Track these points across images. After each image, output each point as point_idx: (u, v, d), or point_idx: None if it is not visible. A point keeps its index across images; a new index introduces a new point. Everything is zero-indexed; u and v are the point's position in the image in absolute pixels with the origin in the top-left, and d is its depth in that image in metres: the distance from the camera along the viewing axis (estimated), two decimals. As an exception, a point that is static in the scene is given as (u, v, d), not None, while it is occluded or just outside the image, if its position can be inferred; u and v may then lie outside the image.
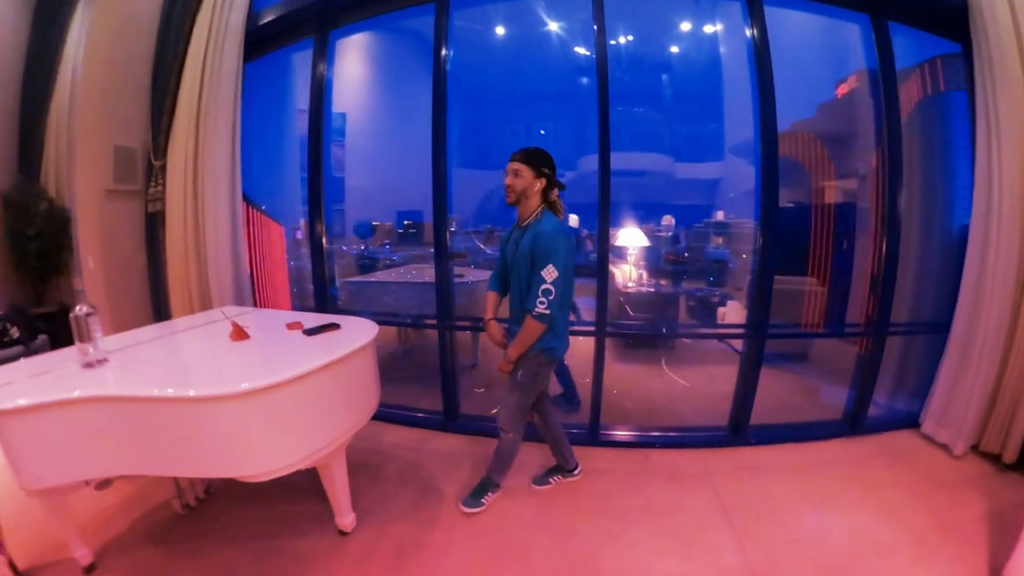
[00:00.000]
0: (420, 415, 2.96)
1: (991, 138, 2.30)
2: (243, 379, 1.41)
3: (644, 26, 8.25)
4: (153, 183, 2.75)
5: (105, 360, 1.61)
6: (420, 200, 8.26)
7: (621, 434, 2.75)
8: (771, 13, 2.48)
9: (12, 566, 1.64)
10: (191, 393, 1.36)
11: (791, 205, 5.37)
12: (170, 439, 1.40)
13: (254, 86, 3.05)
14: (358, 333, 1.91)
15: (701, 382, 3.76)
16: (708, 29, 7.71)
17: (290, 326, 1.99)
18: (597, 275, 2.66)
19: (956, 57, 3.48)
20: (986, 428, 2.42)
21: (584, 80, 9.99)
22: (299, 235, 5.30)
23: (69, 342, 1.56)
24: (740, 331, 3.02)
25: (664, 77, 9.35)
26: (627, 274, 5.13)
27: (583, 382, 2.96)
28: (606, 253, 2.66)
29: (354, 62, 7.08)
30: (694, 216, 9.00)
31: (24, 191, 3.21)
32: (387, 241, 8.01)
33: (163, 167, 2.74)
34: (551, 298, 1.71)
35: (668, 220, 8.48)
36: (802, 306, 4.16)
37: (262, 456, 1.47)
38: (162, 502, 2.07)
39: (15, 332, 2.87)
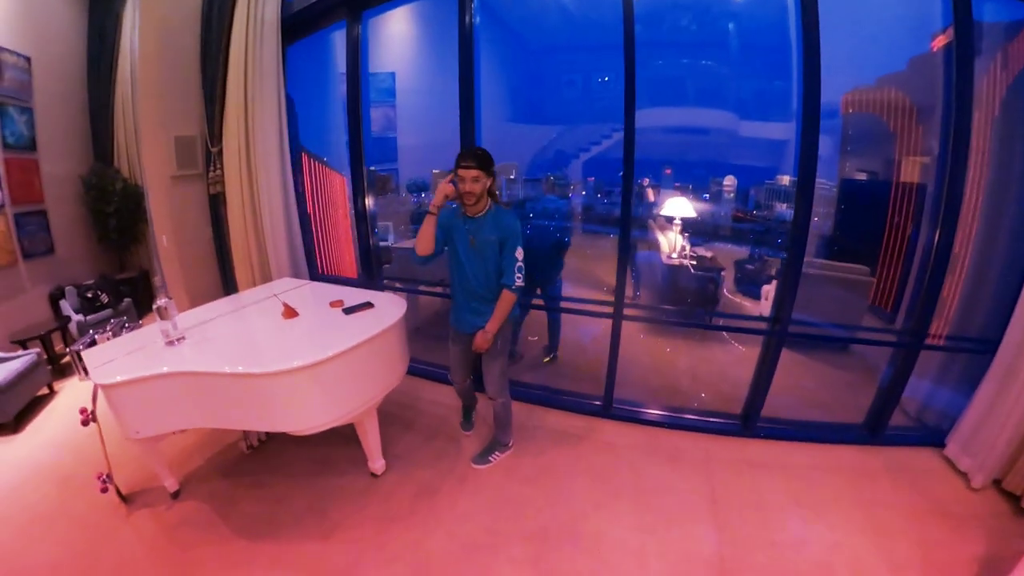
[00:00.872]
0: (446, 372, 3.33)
1: None
2: (293, 357, 1.83)
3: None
4: (212, 167, 3.20)
5: (183, 338, 2.09)
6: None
7: (633, 410, 2.98)
8: None
9: (119, 492, 2.23)
10: (245, 369, 1.79)
11: (863, 177, 5.02)
12: (236, 402, 1.86)
13: (305, 57, 3.39)
14: (388, 312, 2.29)
15: (733, 361, 3.81)
16: None
17: (332, 304, 2.40)
18: (618, 253, 2.72)
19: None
20: (1013, 465, 2.26)
21: (640, 28, 9.44)
22: None
23: (149, 302, 1.98)
24: (759, 327, 2.98)
25: (731, 26, 8.68)
26: (672, 242, 5.18)
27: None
28: (628, 230, 2.68)
29: (401, 20, 7.14)
30: (759, 177, 8.61)
31: (101, 174, 3.85)
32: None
33: (220, 152, 3.17)
34: (523, 272, 2.11)
35: (730, 180, 8.25)
36: (866, 298, 3.94)
37: (307, 416, 1.93)
38: (231, 443, 2.64)
39: (104, 298, 3.56)
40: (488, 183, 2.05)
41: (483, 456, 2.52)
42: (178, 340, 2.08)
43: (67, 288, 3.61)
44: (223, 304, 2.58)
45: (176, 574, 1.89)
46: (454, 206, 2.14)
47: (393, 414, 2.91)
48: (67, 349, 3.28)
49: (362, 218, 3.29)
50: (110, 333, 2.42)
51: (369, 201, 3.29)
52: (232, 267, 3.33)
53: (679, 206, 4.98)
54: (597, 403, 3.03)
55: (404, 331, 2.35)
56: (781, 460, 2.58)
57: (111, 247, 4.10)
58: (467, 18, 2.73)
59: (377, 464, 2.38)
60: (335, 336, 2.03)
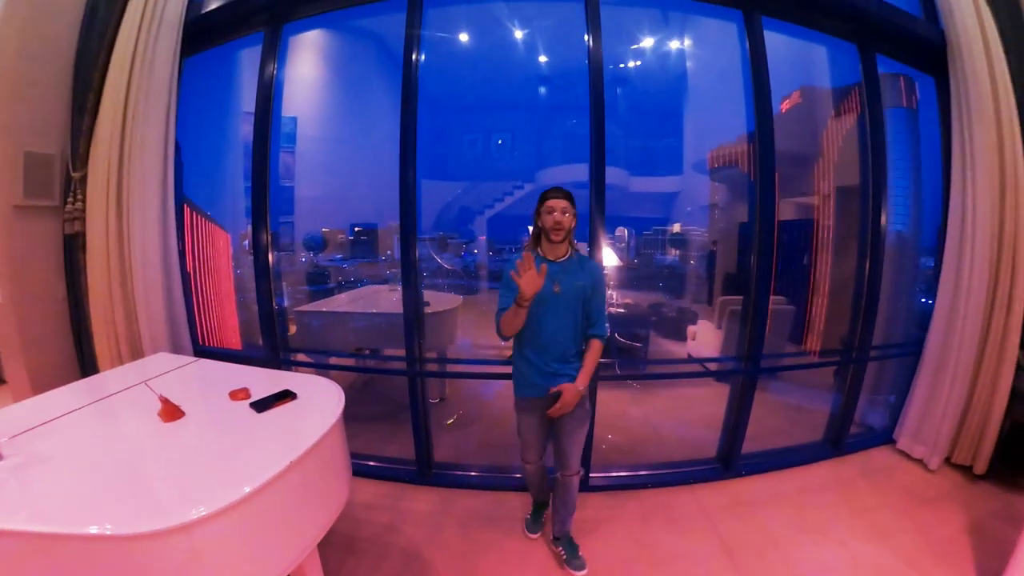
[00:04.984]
0: (390, 467, 2.60)
1: (966, 167, 2.37)
2: (180, 500, 1.06)
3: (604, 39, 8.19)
4: (71, 198, 2.24)
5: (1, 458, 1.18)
6: (374, 212, 7.95)
7: (611, 476, 2.56)
8: (721, 29, 2.46)
9: None
10: (99, 530, 0.97)
11: (746, 220, 5.47)
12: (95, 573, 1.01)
13: (195, 82, 2.64)
14: (320, 405, 1.52)
15: (677, 406, 3.61)
16: (674, 45, 7.70)
17: (234, 394, 1.58)
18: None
19: (891, 77, 3.60)
20: (957, 442, 2.51)
21: (542, 90, 9.87)
22: (247, 244, 5.01)
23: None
24: (729, 365, 2.93)
25: (618, 91, 9.26)
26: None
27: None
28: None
29: (307, 63, 6.53)
30: (650, 227, 9.16)
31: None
32: (339, 254, 7.50)
33: (83, 179, 2.24)
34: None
35: (621, 231, 8.68)
36: (788, 326, 4.08)
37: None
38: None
39: None
40: (574, 222, 1.75)
41: (577, 555, 1.94)
42: (-8, 462, 1.17)
43: None
44: (68, 394, 1.64)
45: None
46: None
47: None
48: None
49: (264, 275, 2.55)
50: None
51: (271, 257, 2.59)
52: (91, 335, 2.30)
53: (606, 256, 4.79)
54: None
55: (343, 433, 1.58)
56: (770, 492, 2.47)
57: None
58: (413, 55, 2.36)
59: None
60: (247, 452, 1.29)
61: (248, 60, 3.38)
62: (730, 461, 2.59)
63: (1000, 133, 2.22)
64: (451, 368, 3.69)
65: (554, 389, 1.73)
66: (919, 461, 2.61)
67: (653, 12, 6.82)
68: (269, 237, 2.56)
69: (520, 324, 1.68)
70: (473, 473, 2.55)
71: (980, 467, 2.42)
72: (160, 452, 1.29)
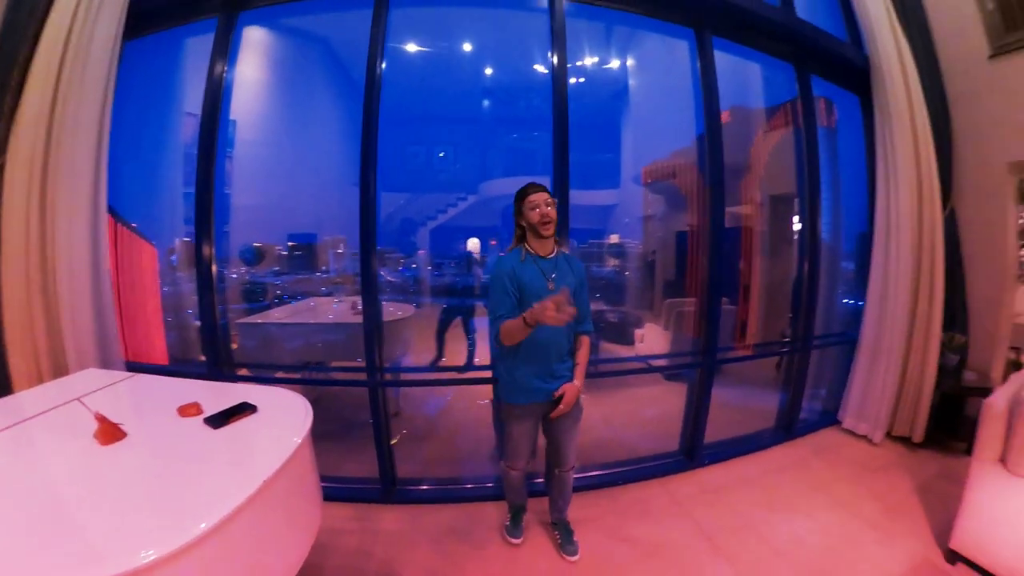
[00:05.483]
0: (352, 487, 2.40)
1: (889, 175, 2.64)
2: (118, 540, 0.85)
3: (540, 56, 8.27)
4: (-18, 189, 1.90)
5: None
6: (314, 222, 7.51)
7: (580, 476, 2.49)
8: (662, 47, 2.55)
9: None
10: None
11: (687, 229, 5.67)
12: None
13: (131, 72, 2.33)
14: (284, 419, 1.34)
15: (630, 407, 3.62)
16: (615, 63, 7.97)
17: (183, 410, 1.37)
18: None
19: (817, 99, 4.01)
20: (896, 417, 2.77)
21: (486, 103, 9.92)
22: (174, 259, 4.60)
23: None
24: (688, 359, 2.94)
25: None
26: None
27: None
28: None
29: (249, 64, 6.10)
30: (586, 239, 9.43)
31: None
32: (276, 267, 7.04)
33: (0, 167, 1.90)
34: None
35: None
36: (730, 324, 4.29)
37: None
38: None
39: None
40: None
41: (571, 540, 1.97)
42: None
43: None
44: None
45: None
46: (508, 256, 1.75)
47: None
48: None
49: (207, 286, 2.32)
50: None
51: (214, 269, 2.38)
52: (4, 350, 1.94)
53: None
54: (543, 482, 2.40)
55: (312, 450, 1.38)
56: (734, 478, 2.56)
57: None
58: (376, 65, 2.35)
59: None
60: (205, 476, 1.09)
61: (192, 52, 3.09)
62: (693, 452, 2.65)
63: (917, 145, 2.52)
64: (411, 378, 3.53)
65: (557, 393, 1.72)
66: (864, 437, 2.84)
67: (596, 28, 6.98)
68: (213, 248, 2.33)
69: (520, 336, 1.61)
70: (439, 487, 2.42)
71: (918, 436, 2.68)
72: (97, 482, 1.06)
